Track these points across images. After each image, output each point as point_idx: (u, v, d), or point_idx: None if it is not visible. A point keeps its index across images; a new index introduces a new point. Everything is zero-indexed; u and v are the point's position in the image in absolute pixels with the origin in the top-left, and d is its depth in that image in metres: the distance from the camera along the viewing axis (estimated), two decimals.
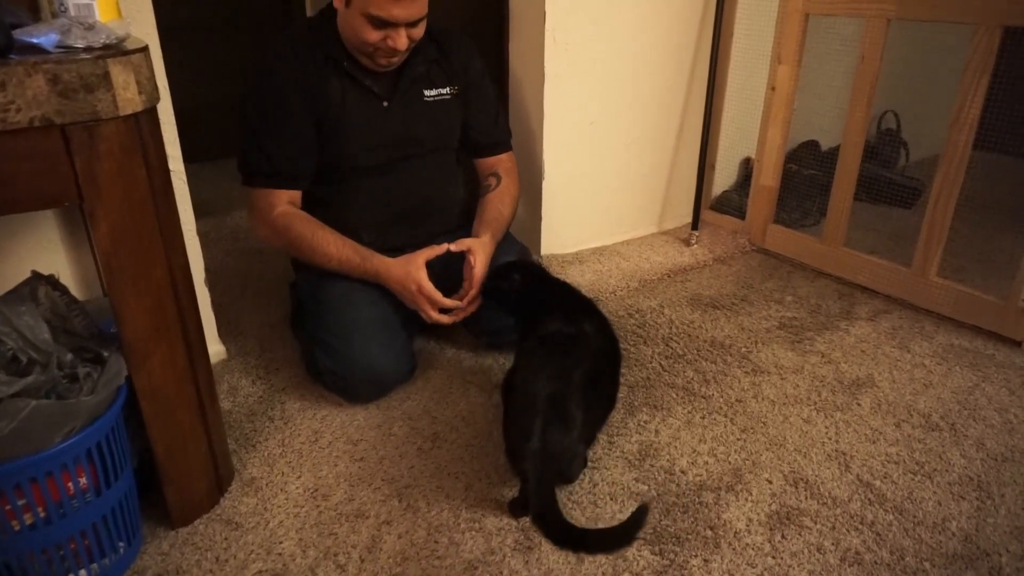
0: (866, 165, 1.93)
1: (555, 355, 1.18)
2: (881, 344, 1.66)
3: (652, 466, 1.25)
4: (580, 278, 1.94)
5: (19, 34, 0.84)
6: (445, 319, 1.42)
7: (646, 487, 1.20)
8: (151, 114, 0.94)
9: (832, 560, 1.06)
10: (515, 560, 1.06)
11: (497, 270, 1.41)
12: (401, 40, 1.32)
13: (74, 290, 1.26)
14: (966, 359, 1.60)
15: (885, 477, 1.23)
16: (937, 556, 1.07)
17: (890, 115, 2.75)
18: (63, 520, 0.92)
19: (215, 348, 1.55)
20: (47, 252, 1.27)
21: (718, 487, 1.21)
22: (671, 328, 1.72)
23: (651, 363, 1.57)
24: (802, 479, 1.23)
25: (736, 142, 2.29)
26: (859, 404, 1.44)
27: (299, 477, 1.23)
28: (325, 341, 1.40)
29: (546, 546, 1.08)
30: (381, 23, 1.29)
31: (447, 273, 1.43)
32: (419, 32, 1.36)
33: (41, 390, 0.90)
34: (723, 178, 2.37)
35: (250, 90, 1.40)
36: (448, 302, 1.41)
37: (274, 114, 1.38)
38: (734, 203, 2.31)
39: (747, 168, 2.35)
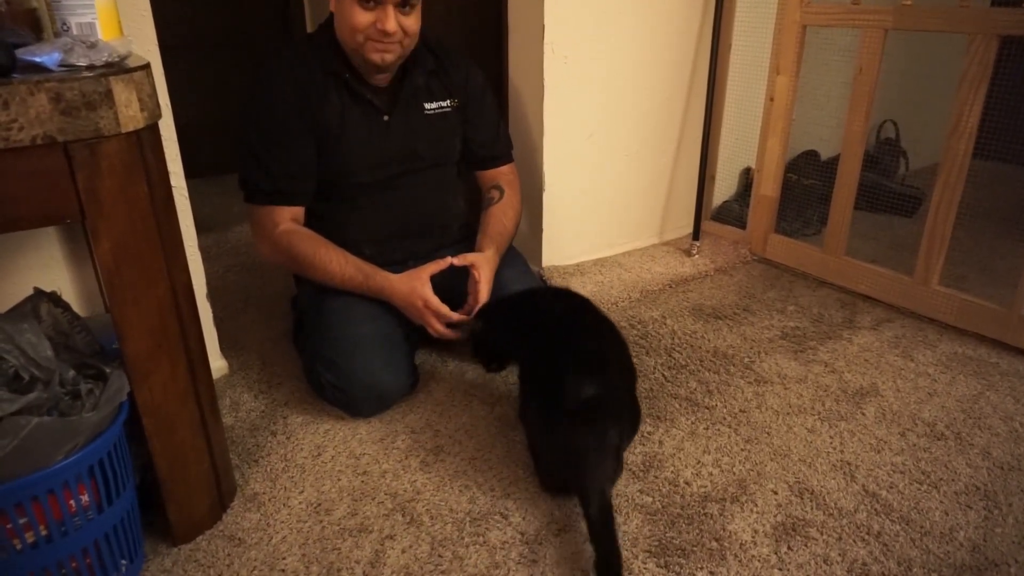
0: (866, 174, 1.93)
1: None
2: (884, 353, 1.66)
3: (656, 477, 1.25)
4: (582, 289, 1.94)
5: (22, 53, 0.84)
6: (452, 334, 1.42)
7: (650, 499, 1.20)
8: (153, 131, 0.94)
9: (839, 571, 1.05)
10: (519, 574, 1.05)
11: (472, 331, 1.41)
12: (391, 22, 1.30)
13: (76, 307, 1.26)
14: (970, 367, 1.60)
15: (891, 487, 1.23)
16: (945, 567, 1.06)
17: (889, 124, 2.76)
18: (65, 538, 0.91)
19: (217, 363, 1.55)
20: (49, 269, 1.27)
21: (723, 498, 1.20)
22: (673, 339, 1.72)
23: (654, 374, 1.57)
24: (807, 489, 1.22)
25: (736, 152, 2.30)
26: (863, 413, 1.43)
27: (302, 492, 1.22)
28: (327, 356, 1.40)
29: (550, 560, 1.07)
30: (371, 1, 1.29)
31: (449, 287, 1.43)
32: (412, 24, 1.35)
33: (43, 407, 0.89)
34: (723, 188, 2.37)
35: (250, 108, 1.40)
36: (455, 316, 1.41)
37: (274, 132, 1.38)
38: (735, 213, 2.31)
39: (747, 178, 2.35)
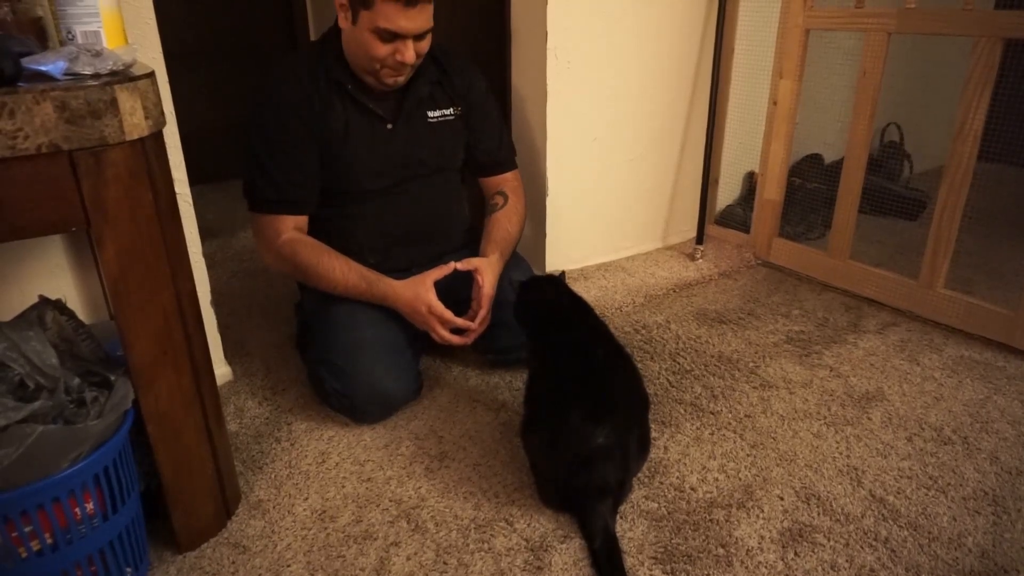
0: (870, 178, 1.93)
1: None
2: (890, 357, 1.65)
3: (662, 483, 1.24)
4: (586, 294, 1.92)
5: (28, 62, 0.85)
6: (457, 339, 1.42)
7: (656, 505, 1.19)
8: (157, 138, 0.95)
9: None
10: None
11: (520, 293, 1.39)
12: (409, 53, 1.32)
13: (81, 314, 1.26)
14: (976, 371, 1.59)
15: (898, 492, 1.22)
16: (954, 573, 1.06)
17: (893, 128, 2.75)
18: (70, 546, 0.91)
19: (221, 370, 1.55)
20: (54, 277, 1.27)
21: (729, 504, 1.19)
22: (678, 343, 1.72)
23: (658, 379, 1.57)
24: (814, 495, 1.21)
25: (739, 156, 2.30)
26: (869, 418, 1.43)
27: (306, 499, 1.22)
28: (331, 362, 1.40)
29: (556, 567, 1.07)
30: (390, 36, 1.30)
31: (452, 292, 1.43)
32: (425, 46, 1.36)
33: (49, 415, 0.90)
34: (727, 192, 2.37)
35: (254, 117, 1.40)
36: (460, 321, 1.40)
37: (278, 141, 1.38)
38: (738, 217, 2.31)
39: (751, 182, 2.35)
